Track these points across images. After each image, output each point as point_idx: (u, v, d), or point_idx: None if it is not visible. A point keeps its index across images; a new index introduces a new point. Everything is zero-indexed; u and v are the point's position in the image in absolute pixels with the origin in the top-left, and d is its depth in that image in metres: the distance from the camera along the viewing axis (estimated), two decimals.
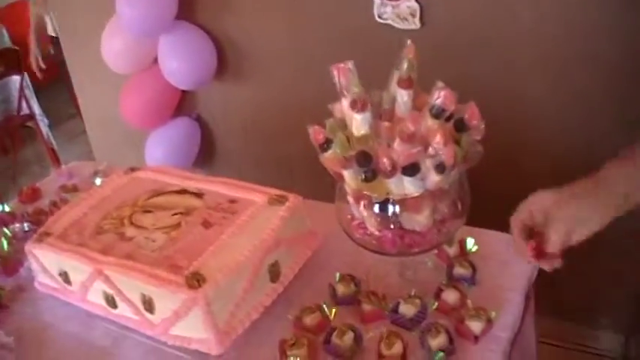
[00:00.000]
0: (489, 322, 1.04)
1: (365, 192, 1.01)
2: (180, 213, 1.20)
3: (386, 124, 1.06)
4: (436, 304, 1.09)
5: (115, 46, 2.02)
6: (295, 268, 1.17)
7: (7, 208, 1.53)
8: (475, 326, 1.03)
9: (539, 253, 1.01)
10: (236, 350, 1.06)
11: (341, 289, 1.13)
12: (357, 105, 0.99)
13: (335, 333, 1.04)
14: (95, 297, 1.16)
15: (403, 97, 1.03)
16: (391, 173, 0.97)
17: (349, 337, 1.03)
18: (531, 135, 1.81)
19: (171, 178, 1.32)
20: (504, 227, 1.24)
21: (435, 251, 1.17)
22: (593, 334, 1.96)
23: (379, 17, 1.91)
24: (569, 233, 0.96)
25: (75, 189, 1.56)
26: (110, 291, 1.11)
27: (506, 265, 1.16)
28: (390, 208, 1.03)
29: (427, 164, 0.97)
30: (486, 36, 1.76)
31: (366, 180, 0.99)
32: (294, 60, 2.05)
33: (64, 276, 1.18)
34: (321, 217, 1.20)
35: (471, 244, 1.20)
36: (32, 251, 1.22)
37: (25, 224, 1.45)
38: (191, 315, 1.02)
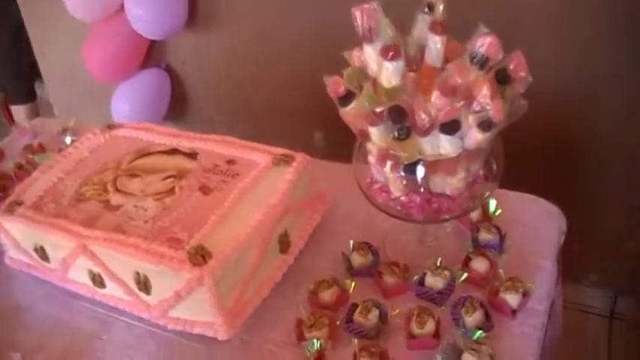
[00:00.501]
0: (526, 294, 0.93)
1: (394, 152, 0.87)
2: (173, 176, 1.03)
3: (411, 74, 0.91)
4: (465, 274, 0.97)
5: None
6: (305, 237, 1.02)
7: None
8: (512, 299, 0.91)
9: None
10: (246, 333, 0.92)
11: (357, 259, 1.00)
12: (389, 52, 0.84)
13: (358, 310, 0.91)
14: (78, 275, 0.99)
15: (436, 43, 0.88)
16: (427, 131, 0.84)
17: (374, 314, 0.90)
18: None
19: (157, 136, 1.14)
20: (527, 187, 1.13)
21: None
22: (581, 291, 1.89)
23: None
24: None
25: (42, 149, 1.36)
26: (97, 269, 0.95)
27: (533, 230, 1.05)
28: (420, 170, 0.89)
29: (470, 121, 0.83)
30: None
31: (399, 138, 0.84)
32: (272, 2, 1.85)
33: (41, 252, 1.01)
34: (322, 177, 1.06)
35: (494, 206, 1.07)
36: (1, 224, 1.04)
37: None
38: (195, 295, 0.87)
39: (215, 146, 1.08)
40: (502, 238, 1.01)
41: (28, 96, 2.78)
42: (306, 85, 1.91)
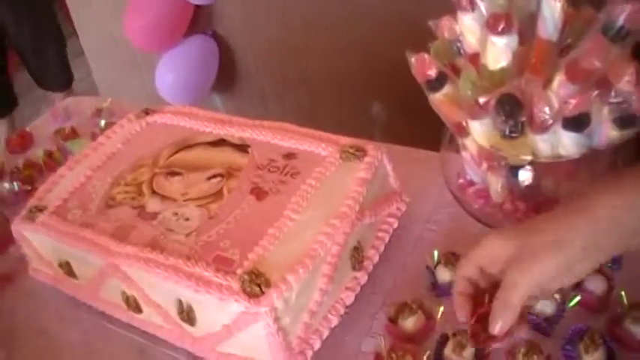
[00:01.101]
0: None
1: (503, 152, 0.66)
2: (220, 175, 0.84)
3: (517, 50, 0.69)
4: (578, 297, 0.76)
5: None
6: (380, 248, 0.82)
7: None
8: (638, 330, 0.71)
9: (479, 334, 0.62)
10: None
11: (444, 274, 0.79)
12: (499, 23, 0.62)
13: (450, 345, 0.72)
14: (112, 295, 0.83)
15: (554, 10, 0.66)
16: (548, 127, 0.62)
17: (470, 352, 0.71)
18: None
19: (201, 123, 0.95)
20: None
21: None
22: None
23: None
24: (532, 298, 0.59)
25: (75, 133, 1.19)
26: (131, 292, 0.78)
27: None
28: (528, 174, 0.68)
29: (604, 114, 0.62)
30: None
31: (511, 136, 0.64)
32: None
33: (66, 267, 0.84)
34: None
35: None
36: (22, 233, 0.87)
37: (15, 183, 1.09)
38: (250, 331, 0.70)
39: (270, 136, 0.88)
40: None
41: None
42: (364, 52, 1.70)
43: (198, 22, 1.86)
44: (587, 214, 0.55)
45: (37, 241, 0.86)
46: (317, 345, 0.73)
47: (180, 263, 0.72)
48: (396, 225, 0.85)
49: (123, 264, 0.75)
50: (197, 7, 1.79)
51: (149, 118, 0.99)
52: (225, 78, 1.95)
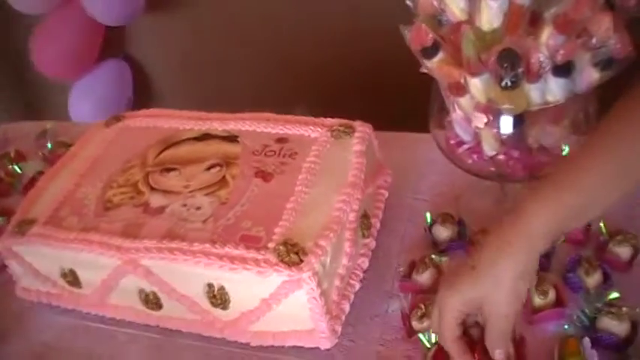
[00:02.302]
0: (635, 247, 0.80)
1: (498, 104, 0.71)
2: (218, 165, 0.82)
3: None
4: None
5: None
6: (379, 215, 0.85)
7: None
8: (624, 252, 0.78)
9: None
10: (346, 337, 0.74)
11: (443, 232, 0.83)
12: None
13: None
14: (123, 298, 0.78)
15: None
16: (540, 76, 0.68)
17: None
18: None
19: (178, 121, 0.92)
20: None
21: None
22: None
23: None
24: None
25: (21, 157, 1.11)
26: (151, 288, 0.74)
27: None
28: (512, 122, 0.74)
29: (585, 60, 0.69)
30: None
31: (512, 87, 0.69)
32: None
33: (71, 276, 0.78)
34: None
35: None
36: (12, 250, 0.80)
37: None
38: (289, 303, 0.69)
39: (256, 124, 0.87)
40: None
41: None
42: (282, 58, 1.72)
43: (109, 45, 1.79)
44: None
45: (32, 256, 0.79)
46: (347, 308, 0.74)
47: (208, 247, 0.70)
48: (387, 195, 0.88)
49: (142, 259, 0.71)
50: (107, 31, 1.73)
51: (121, 124, 0.94)
52: (142, 100, 1.89)
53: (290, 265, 0.66)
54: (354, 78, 1.53)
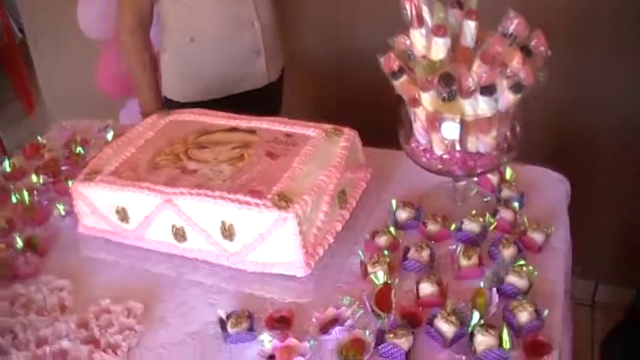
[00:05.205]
0: (547, 235, 1.13)
1: (442, 113, 1.07)
2: (240, 147, 1.20)
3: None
4: (495, 222, 1.16)
5: (92, 13, 1.96)
6: (356, 196, 1.21)
7: (8, 167, 1.45)
8: (538, 237, 1.12)
9: None
10: (318, 274, 1.09)
11: (403, 214, 1.19)
12: (440, 30, 1.05)
13: (413, 249, 1.09)
14: (157, 233, 1.14)
15: (471, 28, 1.10)
16: (470, 94, 1.05)
17: (426, 252, 1.09)
18: None
19: (213, 118, 1.31)
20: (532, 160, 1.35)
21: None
22: None
23: None
24: None
25: (85, 142, 1.51)
26: (181, 223, 1.10)
27: (543, 191, 1.26)
28: (457, 128, 1.09)
29: (504, 85, 1.05)
30: None
31: (449, 100, 1.05)
32: None
33: (122, 213, 1.15)
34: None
35: (509, 173, 1.29)
36: (80, 191, 1.18)
37: (41, 177, 1.39)
38: (276, 236, 1.04)
39: (271, 124, 1.26)
40: (522, 195, 1.22)
41: None
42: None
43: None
44: None
45: (95, 195, 1.17)
46: (320, 252, 1.09)
47: (225, 194, 1.06)
48: (365, 186, 1.24)
49: (177, 199, 1.08)
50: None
51: (170, 117, 1.34)
52: None
53: (280, 208, 1.02)
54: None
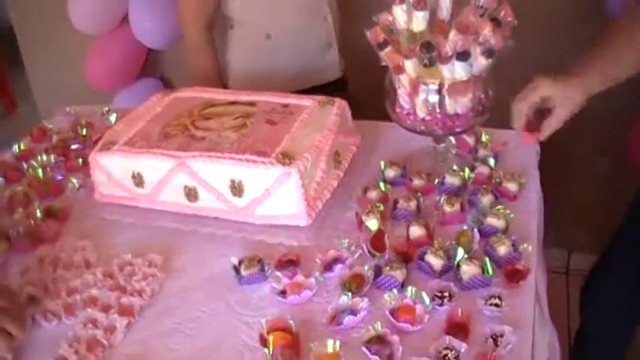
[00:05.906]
0: (520, 184, 1.30)
1: (423, 78, 1.23)
2: (242, 117, 1.35)
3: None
4: (473, 175, 1.32)
5: (84, 7, 2.08)
6: (349, 158, 1.37)
7: (17, 149, 1.58)
8: (513, 187, 1.28)
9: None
10: (318, 225, 1.24)
11: (391, 172, 1.34)
12: (420, 4, 1.21)
13: (402, 201, 1.25)
14: (170, 195, 1.28)
15: (446, 2, 1.26)
16: (448, 59, 1.21)
17: (414, 203, 1.24)
18: None
19: (214, 94, 1.46)
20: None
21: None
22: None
23: None
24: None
25: (90, 125, 1.64)
26: (193, 183, 1.24)
27: (515, 151, 1.43)
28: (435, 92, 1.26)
29: (477, 51, 1.21)
30: None
31: (429, 65, 1.21)
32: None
33: (137, 178, 1.29)
34: None
35: (484, 136, 1.45)
36: (97, 160, 1.32)
37: (52, 156, 1.52)
38: (281, 191, 1.19)
39: (268, 97, 1.41)
40: (496, 154, 1.39)
41: None
42: None
43: (147, 66, 2.36)
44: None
45: (112, 163, 1.30)
46: (320, 205, 1.24)
47: (234, 155, 1.21)
48: (355, 150, 1.40)
49: (190, 162, 1.23)
50: (148, 52, 2.30)
51: (174, 94, 1.49)
52: None
53: (284, 164, 1.17)
54: None
